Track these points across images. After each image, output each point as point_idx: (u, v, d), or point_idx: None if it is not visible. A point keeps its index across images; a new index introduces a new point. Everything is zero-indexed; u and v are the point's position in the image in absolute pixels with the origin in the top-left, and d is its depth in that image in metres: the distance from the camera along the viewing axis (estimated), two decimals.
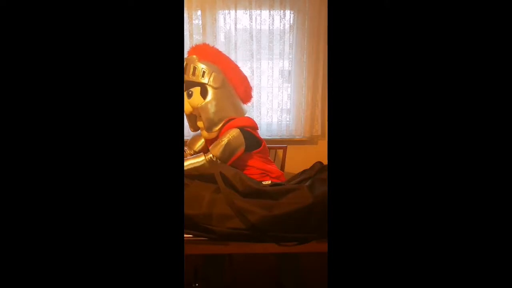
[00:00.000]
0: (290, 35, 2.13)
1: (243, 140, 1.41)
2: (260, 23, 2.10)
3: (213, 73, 1.43)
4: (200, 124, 1.51)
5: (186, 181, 1.16)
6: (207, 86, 1.43)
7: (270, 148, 1.88)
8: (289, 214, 1.04)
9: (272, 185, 1.28)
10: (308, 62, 2.15)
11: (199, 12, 2.06)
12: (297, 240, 1.07)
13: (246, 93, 1.60)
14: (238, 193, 1.12)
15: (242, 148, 1.42)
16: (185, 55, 1.55)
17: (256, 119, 2.08)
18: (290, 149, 2.18)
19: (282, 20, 2.10)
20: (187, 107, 1.47)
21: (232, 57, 1.95)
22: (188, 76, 1.44)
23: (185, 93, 1.47)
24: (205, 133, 1.48)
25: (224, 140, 1.38)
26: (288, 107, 2.27)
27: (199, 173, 1.34)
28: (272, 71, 2.18)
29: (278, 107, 2.24)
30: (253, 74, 2.14)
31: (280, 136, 2.27)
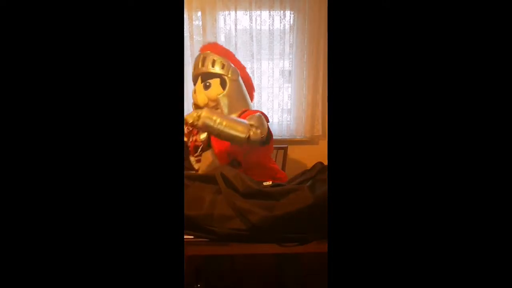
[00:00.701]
0: (290, 36, 2.13)
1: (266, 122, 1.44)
2: (260, 24, 2.10)
3: (231, 66, 1.51)
4: None
5: (186, 182, 1.17)
6: (226, 77, 1.49)
7: None
8: (290, 215, 1.04)
9: (272, 185, 1.28)
10: (308, 62, 2.15)
11: (199, 13, 2.07)
12: (298, 241, 1.07)
13: (251, 92, 1.68)
14: (239, 194, 1.12)
15: (268, 128, 1.42)
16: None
17: None
18: (291, 149, 2.18)
19: (282, 20, 2.10)
20: (203, 98, 1.51)
21: None
22: (206, 68, 1.49)
23: (201, 85, 1.51)
24: None
25: (255, 114, 1.41)
26: (289, 107, 2.27)
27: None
28: (273, 72, 2.18)
29: (279, 107, 2.24)
30: (253, 75, 2.14)
31: (281, 136, 2.28)
